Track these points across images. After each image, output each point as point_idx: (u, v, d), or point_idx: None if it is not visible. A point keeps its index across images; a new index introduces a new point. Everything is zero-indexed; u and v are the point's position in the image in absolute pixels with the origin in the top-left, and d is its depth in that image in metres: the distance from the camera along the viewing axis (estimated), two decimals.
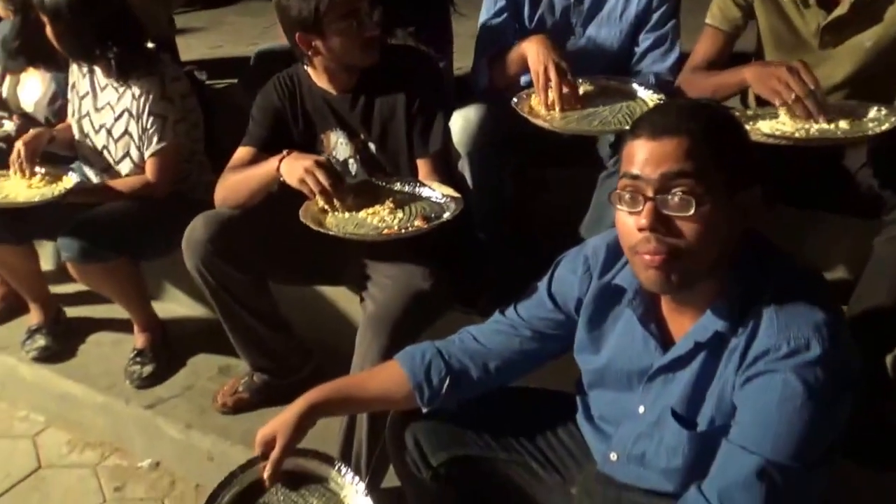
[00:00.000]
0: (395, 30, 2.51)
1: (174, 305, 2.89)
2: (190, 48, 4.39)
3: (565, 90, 1.99)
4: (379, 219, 1.87)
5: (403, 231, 1.81)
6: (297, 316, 2.37)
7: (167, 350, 2.61)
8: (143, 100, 2.39)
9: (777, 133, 1.74)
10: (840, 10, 1.94)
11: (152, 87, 2.38)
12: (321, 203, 1.86)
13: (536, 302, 1.52)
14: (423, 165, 2.05)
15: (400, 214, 1.89)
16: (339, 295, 2.44)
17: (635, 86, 2.10)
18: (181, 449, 2.34)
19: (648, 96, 2.05)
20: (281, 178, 1.90)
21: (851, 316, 1.89)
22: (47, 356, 2.67)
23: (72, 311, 2.88)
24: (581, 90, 2.07)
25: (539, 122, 1.94)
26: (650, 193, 1.16)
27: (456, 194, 1.91)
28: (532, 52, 2.04)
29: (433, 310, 1.98)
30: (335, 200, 1.86)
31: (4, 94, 3.00)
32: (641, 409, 1.36)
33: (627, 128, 1.89)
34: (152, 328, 2.61)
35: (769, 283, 1.20)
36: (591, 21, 2.27)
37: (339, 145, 2.15)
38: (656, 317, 1.34)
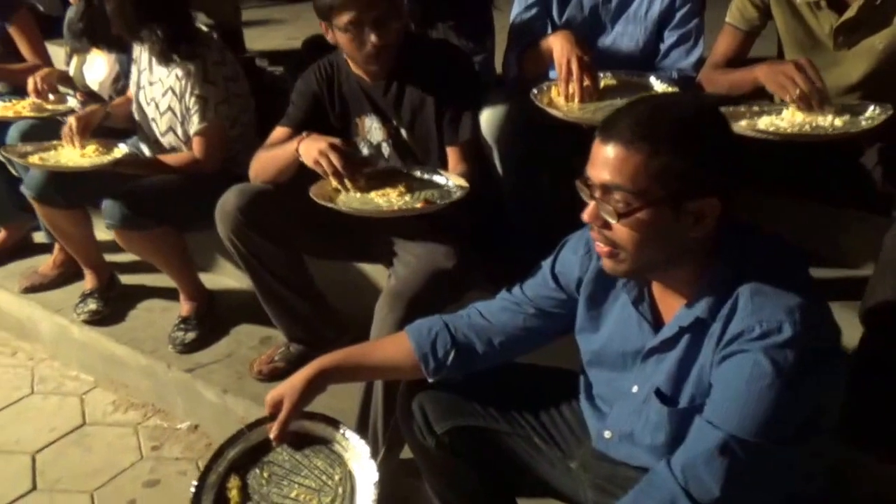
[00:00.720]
0: (436, 23, 2.59)
1: (222, 277, 3.02)
2: (267, 38, 4.53)
3: (586, 83, 2.05)
4: (385, 199, 1.99)
5: (401, 210, 1.93)
6: (335, 290, 2.47)
7: (211, 319, 2.73)
8: (185, 81, 2.51)
9: (771, 129, 1.77)
10: (850, 13, 1.97)
11: (194, 69, 2.49)
12: (334, 183, 1.97)
13: (541, 281, 1.58)
14: (452, 153, 2.17)
15: (407, 197, 2.00)
16: (375, 271, 2.52)
17: (652, 79, 2.15)
18: (218, 412, 2.46)
19: (663, 89, 2.11)
20: (300, 158, 2.00)
21: (865, 310, 1.91)
22: (97, 319, 2.82)
23: (127, 279, 3.04)
24: (602, 84, 2.13)
25: (554, 112, 2.01)
26: (594, 194, 1.23)
27: (464, 183, 2.01)
28: (557, 45, 2.11)
29: (455, 288, 2.06)
30: (347, 181, 1.96)
31: (71, 73, 3.17)
32: (635, 389, 1.41)
33: None
34: (198, 297, 2.73)
35: (749, 268, 1.24)
36: (619, 18, 2.32)
37: (372, 129, 2.25)
38: (649, 299, 1.39)
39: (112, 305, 2.88)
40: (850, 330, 1.93)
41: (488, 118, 2.18)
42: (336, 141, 1.98)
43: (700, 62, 2.25)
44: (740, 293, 1.22)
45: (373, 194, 2.01)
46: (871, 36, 1.99)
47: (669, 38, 2.29)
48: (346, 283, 2.55)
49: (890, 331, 1.86)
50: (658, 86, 2.13)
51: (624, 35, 2.33)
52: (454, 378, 1.60)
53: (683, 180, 1.18)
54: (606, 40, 2.36)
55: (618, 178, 1.19)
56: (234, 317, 2.77)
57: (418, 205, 1.94)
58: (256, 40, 4.22)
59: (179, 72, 2.52)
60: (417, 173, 2.12)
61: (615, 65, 2.30)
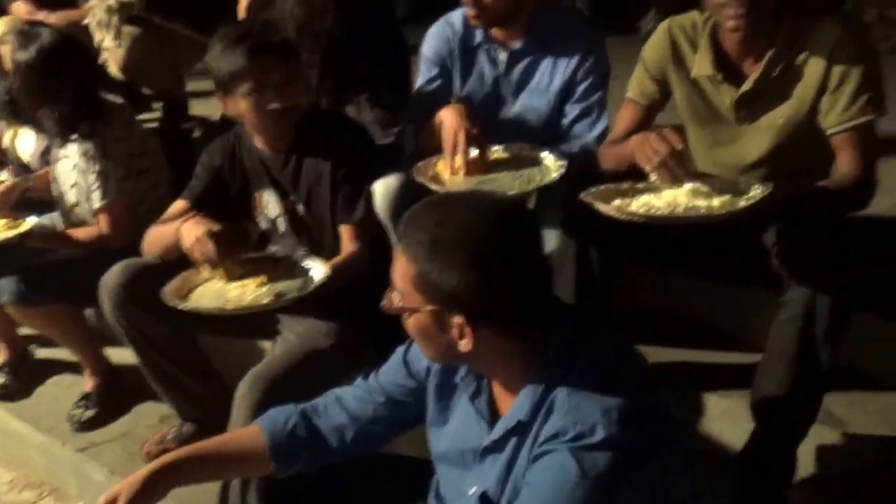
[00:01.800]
0: (350, 95, 2.54)
1: (128, 352, 2.88)
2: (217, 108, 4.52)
3: (472, 155, 1.97)
4: (240, 292, 1.89)
5: (246, 307, 1.84)
6: (234, 368, 2.33)
7: (113, 395, 2.60)
8: (85, 158, 2.46)
9: (641, 210, 1.66)
10: (747, 86, 1.87)
11: (93, 147, 2.45)
12: (205, 273, 1.91)
13: (394, 367, 1.46)
14: (345, 232, 2.07)
15: (264, 289, 1.90)
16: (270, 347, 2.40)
17: (543, 153, 2.06)
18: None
19: (551, 163, 2.02)
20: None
21: (753, 403, 1.79)
22: (4, 394, 2.71)
23: (42, 352, 2.92)
24: (493, 157, 2.05)
25: (434, 187, 1.92)
26: None
27: (328, 271, 1.91)
28: (447, 118, 2.03)
29: (331, 369, 1.91)
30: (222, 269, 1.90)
31: (6, 145, 3.12)
32: (472, 490, 1.29)
33: (512, 192, 1.90)
34: (101, 373, 2.62)
35: (573, 367, 1.14)
36: (522, 91, 2.24)
37: (270, 204, 2.17)
38: (488, 395, 1.28)
39: (21, 379, 2.77)
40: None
41: (382, 193, 2.09)
42: (216, 228, 1.90)
43: (603, 136, 2.16)
44: (558, 393, 1.13)
45: (232, 286, 1.92)
46: (773, 110, 1.90)
47: (571, 111, 2.21)
48: (245, 361, 2.41)
49: (776, 427, 1.74)
50: (550, 160, 2.04)
51: (526, 108, 2.25)
52: (306, 471, 1.46)
53: (436, 293, 1.11)
54: (509, 114, 2.27)
55: (395, 279, 1.16)
56: (137, 393, 2.63)
57: (265, 300, 1.85)
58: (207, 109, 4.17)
59: (81, 148, 2.47)
60: (295, 260, 2.03)
61: (518, 139, 2.21)
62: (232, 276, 1.92)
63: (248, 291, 1.89)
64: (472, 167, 1.98)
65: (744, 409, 1.84)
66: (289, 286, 1.91)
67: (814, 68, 1.81)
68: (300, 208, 2.13)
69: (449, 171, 1.99)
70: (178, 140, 3.08)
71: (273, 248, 2.19)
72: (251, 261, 1.99)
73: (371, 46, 2.44)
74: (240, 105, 1.97)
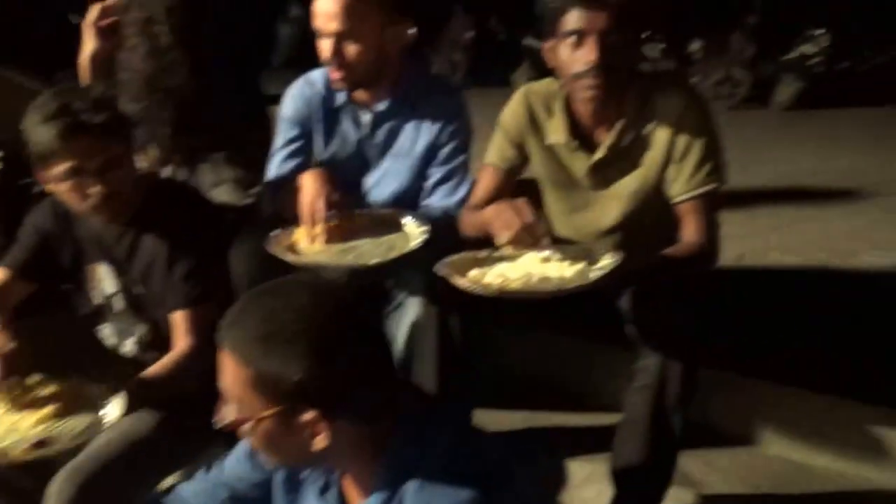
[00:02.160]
0: (206, 153, 2.42)
1: None
2: None
3: (333, 223, 1.93)
4: (28, 427, 1.56)
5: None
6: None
7: None
8: None
9: (497, 281, 1.66)
10: (599, 154, 1.92)
11: None
12: None
13: (239, 458, 1.36)
14: (177, 321, 1.84)
15: (37, 430, 1.56)
16: None
17: (405, 219, 2.04)
18: None
19: (413, 229, 2.00)
20: None
21: (612, 468, 1.81)
22: None
23: None
24: (354, 223, 2.02)
25: (289, 258, 1.85)
26: None
27: (122, 401, 1.61)
28: (305, 184, 1.98)
29: (157, 460, 1.74)
30: None
31: None
32: None
33: (374, 262, 1.85)
34: None
35: (423, 455, 1.09)
36: (386, 154, 2.21)
37: (105, 279, 1.96)
38: (337, 490, 1.22)
39: None
40: None
41: (237, 259, 1.99)
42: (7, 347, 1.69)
43: (466, 201, 2.16)
44: (409, 487, 1.06)
45: (26, 418, 1.58)
46: (624, 178, 1.95)
47: (434, 175, 2.20)
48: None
49: (635, 493, 1.76)
50: (412, 226, 2.02)
51: (391, 172, 2.22)
52: None
53: (279, 391, 1.01)
54: (373, 177, 2.24)
55: (222, 383, 1.05)
56: None
57: (21, 450, 1.51)
58: None
59: None
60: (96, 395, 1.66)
61: (382, 202, 2.21)
62: (16, 404, 1.60)
63: (40, 426, 1.55)
64: (332, 235, 1.93)
65: (607, 474, 1.85)
66: (70, 427, 1.57)
67: (660, 139, 1.88)
68: (137, 287, 1.93)
69: (308, 240, 1.93)
70: (15, 197, 2.83)
71: (106, 331, 2.00)
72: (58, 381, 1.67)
73: (228, 102, 2.35)
74: (58, 186, 1.76)
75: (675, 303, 1.72)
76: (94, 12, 2.33)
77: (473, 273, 1.71)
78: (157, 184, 2.00)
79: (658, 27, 10.18)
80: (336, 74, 2.07)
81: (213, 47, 2.30)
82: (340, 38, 2.00)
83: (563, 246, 1.82)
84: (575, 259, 1.72)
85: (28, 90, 2.94)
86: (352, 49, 2.02)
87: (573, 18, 1.77)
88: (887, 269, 3.34)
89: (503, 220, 1.71)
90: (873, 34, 10.12)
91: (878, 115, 9.32)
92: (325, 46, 2.03)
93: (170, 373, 1.76)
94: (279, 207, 2.13)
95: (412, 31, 2.14)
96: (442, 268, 1.71)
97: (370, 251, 1.92)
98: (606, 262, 1.70)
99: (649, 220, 1.97)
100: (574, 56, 1.79)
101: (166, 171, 2.42)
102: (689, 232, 1.89)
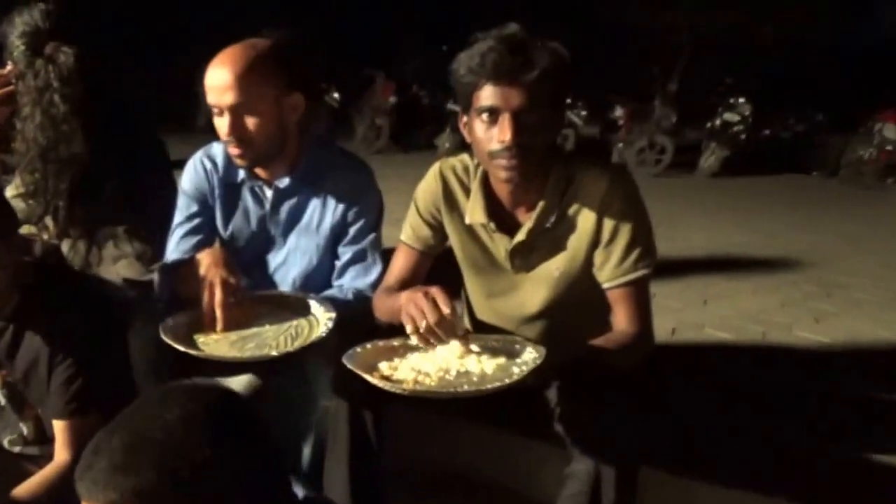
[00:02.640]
0: (105, 226, 2.19)
1: None
2: None
3: (233, 306, 1.76)
4: None
5: None
6: None
7: None
8: None
9: (411, 376, 1.49)
10: (520, 236, 1.78)
11: None
12: None
13: None
14: (57, 431, 1.73)
15: None
16: None
17: (312, 303, 1.87)
18: None
19: (320, 314, 1.82)
20: None
21: None
22: None
23: None
24: (255, 306, 1.85)
25: (182, 348, 1.66)
26: None
27: None
28: (202, 265, 1.79)
29: None
30: None
31: None
32: None
33: (276, 353, 1.65)
34: None
35: None
36: (291, 231, 2.03)
37: None
38: None
39: None
40: None
41: (136, 346, 1.83)
42: None
43: (379, 281, 1.98)
44: None
45: None
46: (548, 261, 1.80)
47: (344, 254, 2.02)
48: None
49: None
50: (319, 311, 1.84)
51: (297, 250, 2.03)
52: None
53: None
54: (278, 256, 2.05)
55: None
56: None
57: None
58: None
59: None
60: None
61: (289, 282, 2.03)
62: None
63: None
64: (232, 320, 1.75)
65: None
66: None
67: (585, 221, 1.74)
68: (20, 384, 1.79)
69: (208, 326, 1.75)
70: None
71: None
72: None
73: (128, 172, 2.14)
74: None
75: (606, 399, 1.55)
76: None
77: (384, 366, 1.53)
78: (39, 273, 1.79)
79: (579, 93, 10.40)
80: (235, 150, 1.88)
81: (110, 115, 2.10)
82: (236, 111, 1.83)
83: (482, 336, 1.65)
84: (495, 352, 1.54)
85: None
86: (249, 122, 1.85)
87: (486, 94, 1.62)
88: (825, 345, 3.29)
89: (413, 312, 1.54)
90: (793, 102, 10.58)
91: (803, 181, 9.64)
92: (221, 123, 1.86)
93: (45, 489, 1.66)
94: (179, 291, 1.91)
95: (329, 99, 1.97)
96: (350, 360, 1.53)
97: (273, 338, 1.74)
98: (529, 356, 1.53)
99: (576, 304, 1.82)
100: (488, 134, 1.64)
101: (64, 246, 2.21)
102: (621, 320, 1.75)
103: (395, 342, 1.63)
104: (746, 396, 2.63)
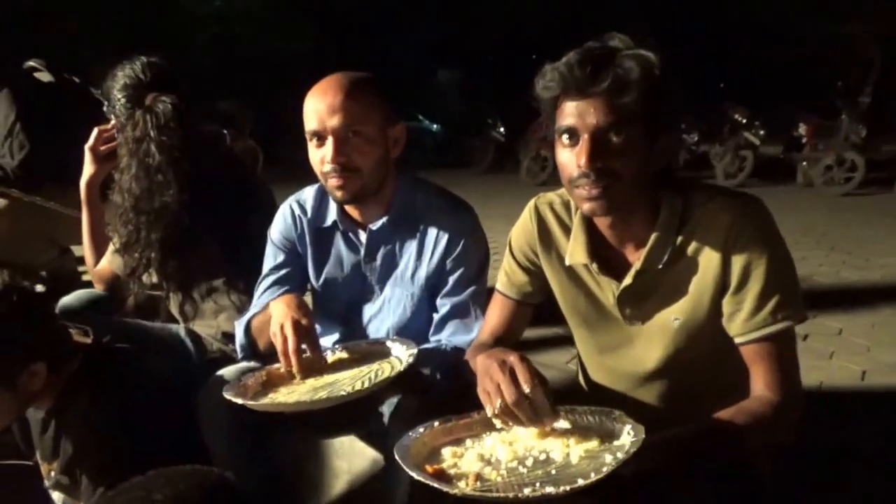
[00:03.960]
0: (202, 278, 2.04)
1: None
2: None
3: (307, 354, 1.51)
4: None
5: None
6: None
7: None
8: None
9: (488, 456, 1.19)
10: (627, 280, 1.41)
11: None
12: None
13: None
14: None
15: None
16: None
17: (393, 344, 1.60)
18: None
19: (402, 351, 1.55)
20: None
21: None
22: None
23: None
24: (334, 357, 1.61)
25: (251, 404, 1.43)
26: None
27: None
28: (275, 311, 1.56)
29: None
30: None
31: None
32: None
33: (346, 392, 1.38)
34: None
35: None
36: (387, 279, 1.76)
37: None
38: None
39: None
40: None
41: (206, 412, 1.64)
42: None
43: None
44: None
45: None
46: (665, 309, 1.41)
47: (443, 306, 1.72)
48: None
49: None
50: (396, 349, 1.58)
51: (391, 301, 1.76)
52: None
53: None
54: (374, 306, 1.79)
55: None
56: None
57: None
58: None
59: None
60: None
61: (384, 334, 1.76)
62: None
63: None
64: (307, 368, 1.51)
65: None
66: None
67: (708, 261, 1.34)
68: (63, 479, 1.62)
69: (284, 373, 1.54)
70: None
71: None
72: None
73: (227, 222, 1.98)
74: None
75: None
76: (92, 136, 2.13)
77: (447, 453, 1.24)
78: (86, 360, 1.63)
79: (755, 111, 9.44)
80: (337, 180, 1.62)
81: (208, 165, 1.97)
82: (343, 134, 1.59)
83: (576, 408, 1.29)
84: (586, 432, 1.19)
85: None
86: (357, 147, 1.61)
87: (563, 112, 1.30)
88: None
89: (489, 388, 1.22)
90: None
91: None
92: (322, 152, 1.62)
93: None
94: (255, 343, 1.72)
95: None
96: (403, 451, 1.23)
97: (349, 383, 1.47)
98: (628, 438, 1.15)
99: (704, 360, 1.42)
100: (569, 159, 1.31)
101: (169, 300, 2.08)
102: (758, 384, 1.33)
103: (475, 415, 1.31)
104: None
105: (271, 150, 11.44)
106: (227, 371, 1.71)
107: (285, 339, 1.49)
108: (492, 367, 1.23)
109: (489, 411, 1.21)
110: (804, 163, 9.03)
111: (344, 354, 1.61)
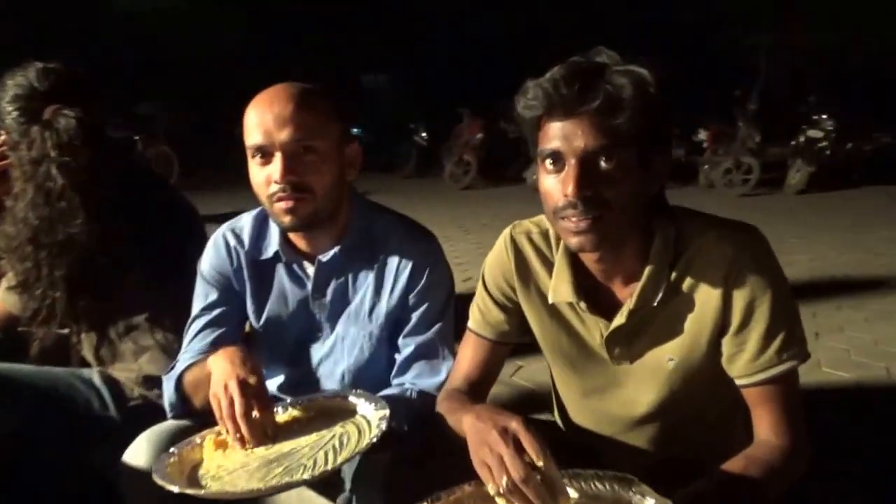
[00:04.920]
0: (119, 318, 1.69)
1: None
2: None
3: (257, 418, 1.21)
4: None
5: None
6: None
7: None
8: None
9: None
10: (619, 320, 1.19)
11: None
12: None
13: None
14: None
15: None
16: None
17: (358, 400, 1.32)
18: None
19: (372, 413, 1.27)
20: None
21: None
22: None
23: None
24: (286, 415, 1.32)
25: (180, 490, 1.12)
26: None
27: None
28: (216, 368, 1.27)
29: None
30: None
31: None
32: None
33: (311, 476, 1.05)
34: None
35: None
36: (339, 317, 1.48)
37: None
38: None
39: None
40: None
41: (127, 482, 1.30)
42: None
43: None
44: None
45: None
46: (656, 348, 1.21)
47: (406, 346, 1.45)
48: None
49: None
50: (363, 406, 1.30)
51: (346, 339, 1.48)
52: None
53: None
54: (324, 347, 1.50)
55: None
56: None
57: None
58: None
59: None
60: None
61: (333, 386, 1.49)
62: None
63: None
64: (256, 436, 1.22)
65: None
66: None
67: (707, 297, 1.15)
68: None
69: (236, 442, 1.22)
70: None
71: None
72: None
73: (144, 251, 1.63)
74: None
75: None
76: None
77: None
78: None
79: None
80: (285, 203, 1.32)
81: (122, 189, 1.61)
82: (294, 150, 1.30)
83: (583, 473, 1.05)
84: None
85: None
86: (310, 165, 1.32)
87: (547, 134, 1.09)
88: None
89: (490, 461, 0.99)
90: (877, 115, 9.48)
91: (891, 192, 8.56)
92: (268, 169, 1.32)
93: None
94: (190, 400, 1.41)
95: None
96: None
97: (309, 455, 1.18)
98: None
99: (700, 401, 1.24)
100: (554, 185, 1.09)
101: (81, 343, 1.72)
102: (763, 429, 1.16)
103: (467, 488, 1.06)
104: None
105: (195, 155, 10.84)
106: (153, 435, 1.37)
107: (231, 403, 1.20)
108: (490, 435, 0.99)
109: (492, 490, 0.98)
110: (706, 166, 9.21)
111: (298, 412, 1.33)
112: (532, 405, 2.51)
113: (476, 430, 1.03)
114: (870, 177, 9.06)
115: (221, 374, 1.24)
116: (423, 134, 10.68)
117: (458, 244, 6.17)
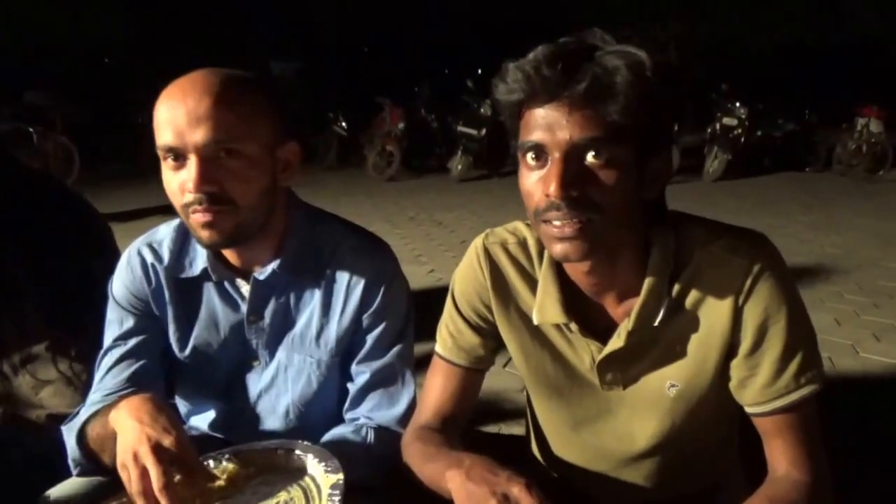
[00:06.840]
0: (26, 344, 1.45)
1: None
2: None
3: (179, 481, 0.99)
4: None
5: None
6: None
7: None
8: None
9: None
10: (617, 342, 1.03)
11: None
12: None
13: None
14: None
15: None
16: None
17: (307, 456, 1.10)
18: None
19: (321, 476, 1.06)
20: None
21: None
22: None
23: None
24: (221, 472, 1.09)
25: None
26: None
27: None
28: (122, 430, 1.02)
29: None
30: None
31: None
32: None
33: None
34: None
35: None
36: (280, 342, 1.26)
37: None
38: None
39: None
40: None
41: None
42: None
43: (412, 411, 1.22)
44: None
45: None
46: (655, 372, 1.05)
47: (360, 374, 1.24)
48: None
49: None
50: (315, 466, 1.08)
51: (289, 369, 1.26)
52: None
53: None
54: (262, 378, 1.28)
55: None
56: None
57: None
58: None
59: None
60: None
61: (279, 421, 1.27)
62: None
63: None
64: (184, 501, 0.99)
65: None
66: None
67: (715, 316, 1.00)
68: None
69: None
70: None
71: None
72: None
73: (43, 268, 1.38)
74: None
75: None
76: None
77: None
78: None
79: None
80: (204, 217, 1.08)
81: (14, 199, 1.35)
82: (211, 154, 1.06)
83: None
84: None
85: None
86: (231, 171, 1.08)
87: (532, 122, 0.91)
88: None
89: None
90: (783, 103, 9.87)
91: (801, 178, 8.96)
92: (182, 176, 1.07)
93: None
94: (90, 456, 1.16)
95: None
96: None
97: None
98: None
99: (704, 431, 1.09)
100: (535, 184, 0.93)
101: None
102: (779, 462, 1.01)
103: None
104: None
105: (96, 147, 10.13)
106: (58, 495, 1.13)
107: (143, 475, 0.97)
108: (488, 501, 0.81)
109: None
110: None
111: (234, 467, 1.09)
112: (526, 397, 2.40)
113: (468, 493, 0.85)
114: (778, 163, 9.44)
115: (129, 437, 1.00)
116: (343, 123, 10.34)
117: (387, 240, 5.96)
